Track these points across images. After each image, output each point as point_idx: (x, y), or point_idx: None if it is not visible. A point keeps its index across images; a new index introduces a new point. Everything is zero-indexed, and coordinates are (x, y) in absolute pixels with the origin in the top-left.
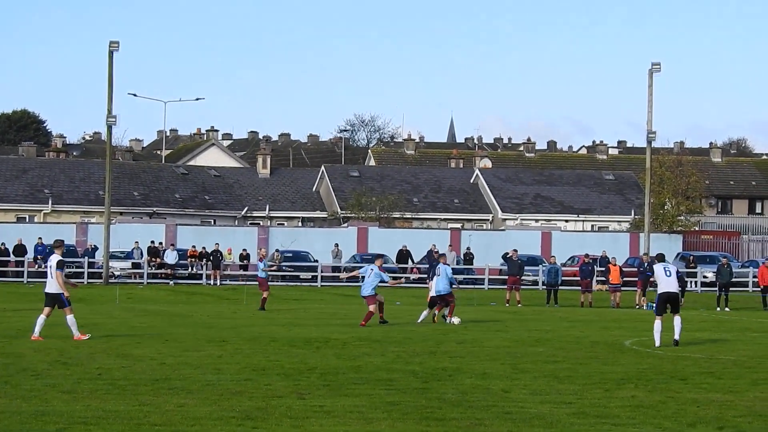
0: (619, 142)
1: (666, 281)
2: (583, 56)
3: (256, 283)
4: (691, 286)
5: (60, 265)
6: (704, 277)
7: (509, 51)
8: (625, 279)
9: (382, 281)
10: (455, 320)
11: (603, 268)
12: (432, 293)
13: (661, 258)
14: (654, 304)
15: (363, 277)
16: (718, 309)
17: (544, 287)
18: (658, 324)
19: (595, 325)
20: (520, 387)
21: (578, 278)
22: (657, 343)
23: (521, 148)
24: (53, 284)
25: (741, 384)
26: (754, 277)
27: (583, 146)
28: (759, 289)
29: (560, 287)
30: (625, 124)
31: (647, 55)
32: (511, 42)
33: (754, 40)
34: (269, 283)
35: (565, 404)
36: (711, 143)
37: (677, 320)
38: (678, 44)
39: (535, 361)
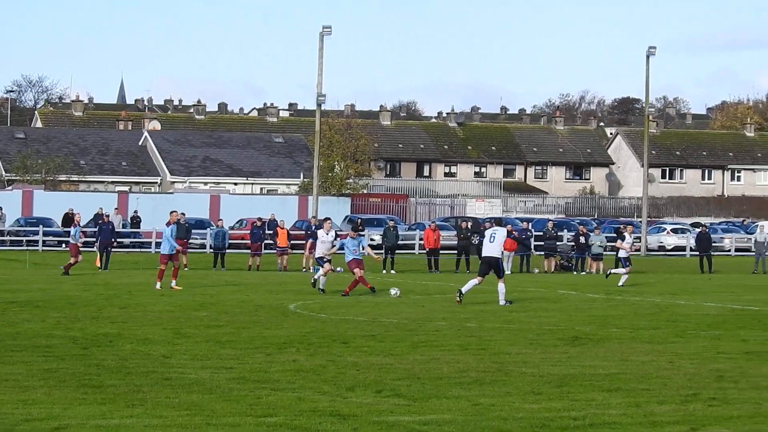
0: (290, 105)
1: (488, 246)
2: (255, 18)
3: None
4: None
5: None
6: (371, 239)
7: (178, 10)
8: (292, 242)
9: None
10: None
11: (271, 231)
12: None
13: (497, 222)
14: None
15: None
16: (384, 272)
17: (212, 251)
18: (474, 281)
19: (260, 289)
20: (181, 352)
21: (248, 241)
22: (463, 290)
23: (192, 110)
24: None
25: (401, 347)
26: (420, 239)
27: (255, 108)
28: (424, 251)
29: (228, 251)
30: (297, 86)
31: (319, 18)
32: (180, 1)
33: (421, 4)
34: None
35: (226, 369)
36: (381, 106)
37: (500, 286)
38: (348, 8)
39: (197, 325)
